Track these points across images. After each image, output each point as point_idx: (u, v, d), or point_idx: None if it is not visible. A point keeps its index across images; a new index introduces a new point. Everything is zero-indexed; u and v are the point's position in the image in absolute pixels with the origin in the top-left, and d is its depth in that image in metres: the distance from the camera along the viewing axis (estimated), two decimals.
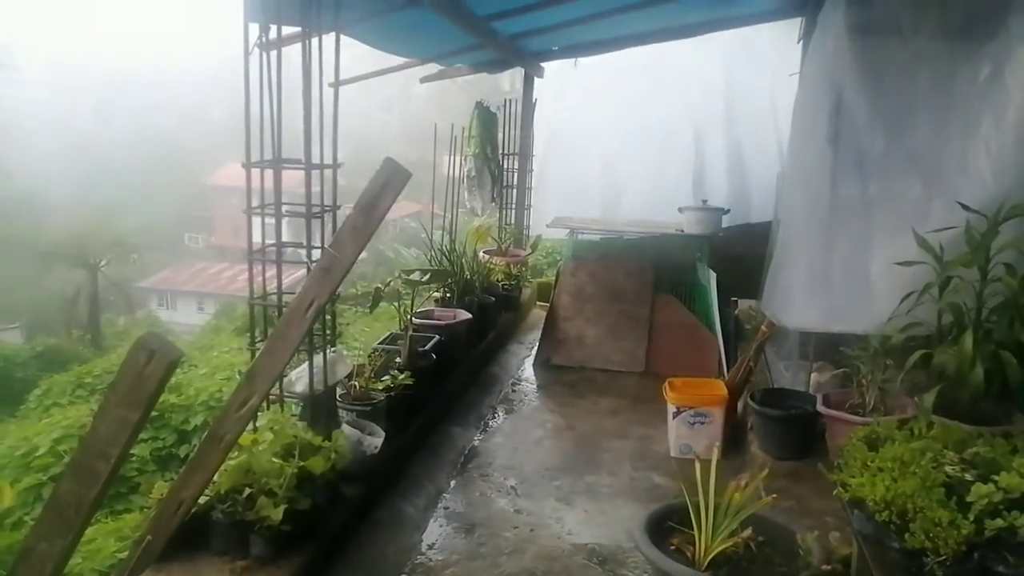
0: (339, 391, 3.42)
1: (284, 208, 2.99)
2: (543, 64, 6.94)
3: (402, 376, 3.64)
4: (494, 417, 4.58)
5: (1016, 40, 3.18)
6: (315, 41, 3.01)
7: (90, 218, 28.61)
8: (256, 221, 3.11)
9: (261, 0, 2.87)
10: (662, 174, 6.68)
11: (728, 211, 5.98)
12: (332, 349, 3.23)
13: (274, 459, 2.62)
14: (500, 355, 5.77)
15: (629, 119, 6.94)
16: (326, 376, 3.13)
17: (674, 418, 3.97)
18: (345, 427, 3.14)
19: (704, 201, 6.04)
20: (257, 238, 3.16)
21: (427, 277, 4.12)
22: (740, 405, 4.17)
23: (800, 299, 3.66)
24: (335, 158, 3.00)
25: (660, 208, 6.36)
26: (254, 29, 3.03)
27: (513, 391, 5.07)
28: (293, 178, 3.11)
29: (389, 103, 47.71)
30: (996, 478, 2.25)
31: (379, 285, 4.04)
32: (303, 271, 2.96)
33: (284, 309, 2.74)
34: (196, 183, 41.46)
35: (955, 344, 3.00)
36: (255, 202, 3.06)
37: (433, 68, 6.67)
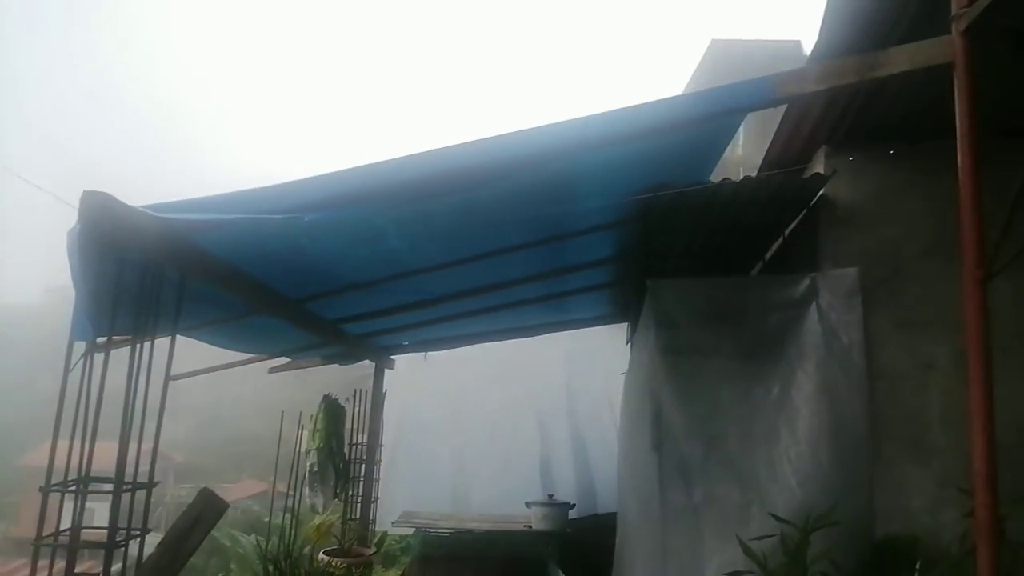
0: None
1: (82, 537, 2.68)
2: (393, 357, 7.17)
3: None
4: None
5: (795, 363, 3.68)
6: (147, 345, 2.96)
7: None
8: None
9: (92, 318, 2.83)
10: (510, 467, 6.78)
11: (574, 506, 6.04)
12: None
13: None
14: None
15: (478, 411, 7.17)
16: None
17: None
18: None
19: (550, 496, 6.09)
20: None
21: None
22: None
23: None
24: (151, 476, 2.80)
25: (510, 502, 6.34)
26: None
27: None
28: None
29: (244, 374, 46.46)
30: None
31: None
32: None
33: None
34: (5, 462, 36.82)
35: None
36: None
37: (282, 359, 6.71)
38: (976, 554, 2.20)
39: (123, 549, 2.65)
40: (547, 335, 7.01)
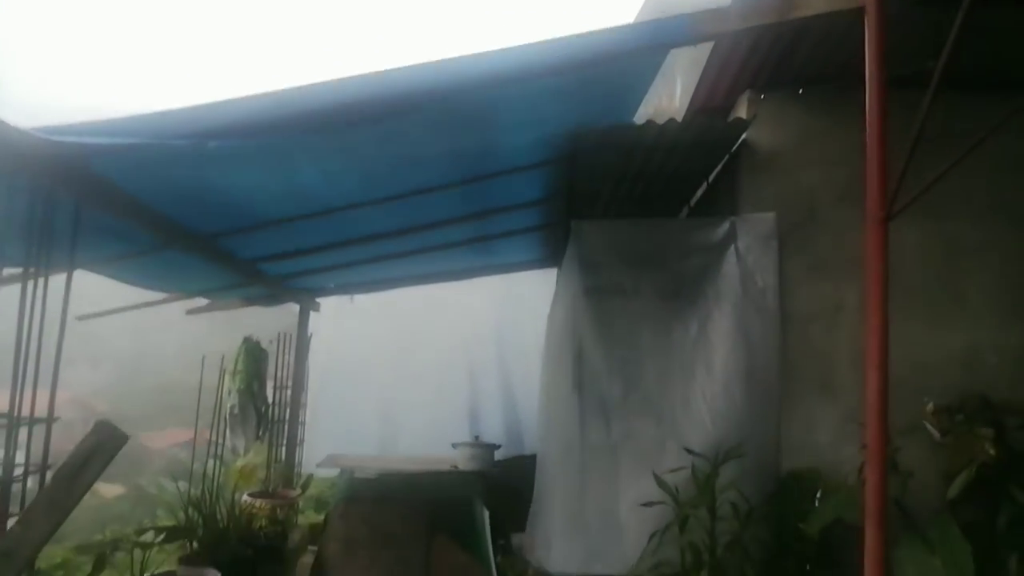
0: None
1: None
2: (319, 299, 7.04)
3: None
4: None
5: (713, 304, 3.77)
6: (41, 281, 2.80)
7: None
8: None
9: None
10: (438, 411, 6.79)
11: (500, 447, 6.11)
12: None
13: None
14: None
15: (406, 355, 7.12)
16: None
17: None
18: None
19: (476, 437, 6.15)
20: None
21: (162, 536, 3.63)
22: None
23: (559, 541, 3.70)
24: (51, 411, 2.67)
25: (437, 445, 6.36)
26: None
27: None
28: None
29: (168, 322, 45.13)
30: None
31: (104, 550, 3.48)
32: None
33: None
34: None
35: None
36: None
37: (201, 300, 6.50)
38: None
39: (21, 485, 2.54)
40: (477, 279, 6.99)
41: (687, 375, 3.74)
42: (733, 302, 3.74)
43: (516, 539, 5.74)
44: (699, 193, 4.78)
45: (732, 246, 3.79)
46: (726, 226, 3.82)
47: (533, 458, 6.32)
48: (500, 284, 7.18)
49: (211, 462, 5.66)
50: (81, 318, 5.73)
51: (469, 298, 7.35)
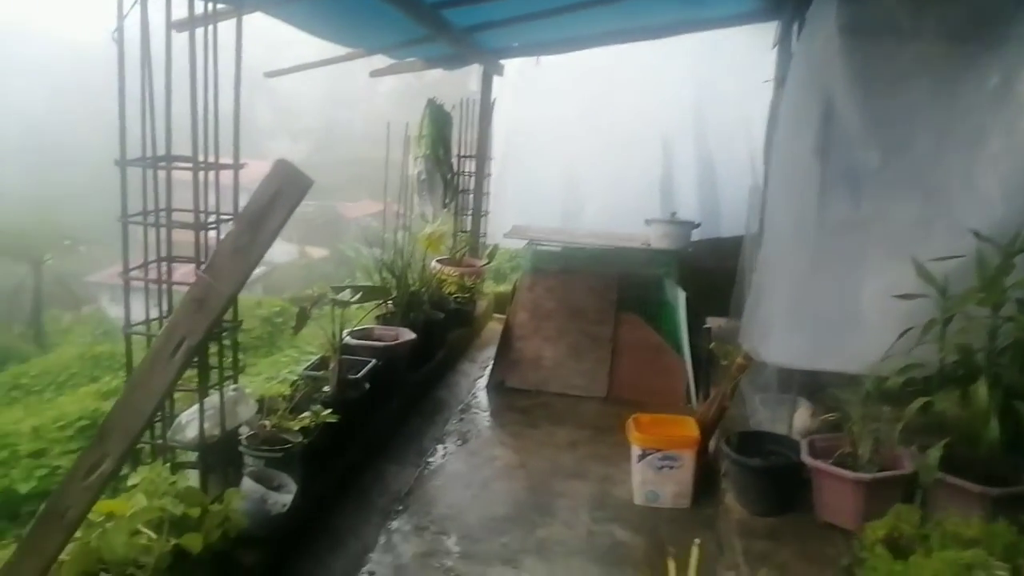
0: (246, 433, 2.89)
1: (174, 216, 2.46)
2: (503, 62, 6.48)
3: (324, 413, 3.12)
4: (437, 452, 4.08)
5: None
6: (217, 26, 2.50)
7: (36, 208, 27.32)
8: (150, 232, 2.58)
9: None
10: (628, 183, 6.27)
11: (699, 225, 5.58)
12: (232, 387, 2.70)
13: (141, 533, 2.09)
14: (449, 377, 5.27)
15: (594, 124, 6.52)
16: (223, 420, 2.60)
17: (639, 461, 3.52)
18: (246, 482, 2.61)
19: (673, 214, 5.62)
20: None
21: (358, 296, 3.59)
22: (712, 444, 3.75)
23: (781, 331, 3.23)
24: (236, 157, 2.47)
25: (625, 220, 5.94)
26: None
27: (460, 420, 4.57)
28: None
29: (353, 101, 46.87)
30: None
31: (305, 304, 3.51)
32: None
33: None
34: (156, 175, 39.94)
35: (960, 391, 2.61)
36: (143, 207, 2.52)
37: (385, 61, 6.18)
38: None
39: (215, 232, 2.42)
40: (675, 41, 6.03)
41: (976, 140, 2.90)
42: None
43: (713, 323, 5.40)
44: None
45: None
46: None
47: (730, 240, 5.77)
48: (703, 43, 6.18)
49: (400, 233, 5.64)
50: (269, 74, 5.64)
51: (666, 61, 6.45)
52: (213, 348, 2.53)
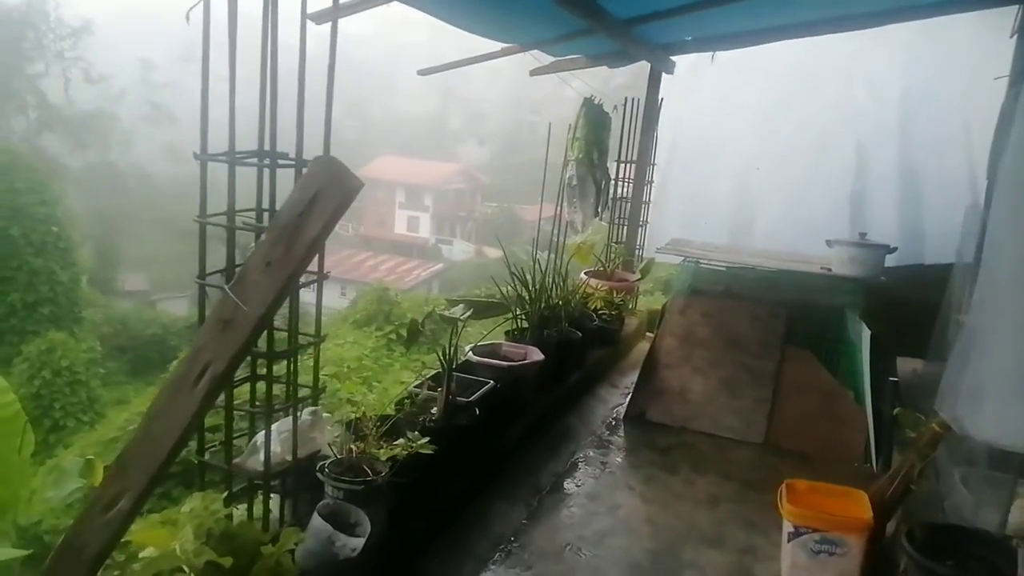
0: (330, 458, 2.62)
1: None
2: (673, 58, 5.89)
3: (420, 442, 2.79)
4: (554, 490, 3.63)
5: None
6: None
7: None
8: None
9: None
10: (810, 197, 5.45)
11: (894, 249, 4.66)
12: (309, 409, 2.44)
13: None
14: (584, 402, 4.80)
15: (774, 128, 5.76)
16: (295, 446, 2.34)
17: (790, 540, 2.85)
18: (315, 518, 2.33)
19: (862, 235, 4.74)
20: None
21: (468, 313, 3.24)
22: (889, 528, 2.99)
23: (1000, 400, 2.43)
24: (299, 152, 2.17)
25: (804, 239, 5.15)
26: None
27: (588, 454, 4.09)
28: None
29: (539, 106, 47.62)
30: None
31: (419, 320, 3.21)
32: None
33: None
34: None
35: None
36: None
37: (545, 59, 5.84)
38: None
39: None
40: (883, 28, 5.12)
41: None
42: None
43: (907, 365, 4.52)
44: None
45: None
46: None
47: (936, 269, 4.80)
48: (919, 32, 5.21)
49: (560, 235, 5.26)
50: (423, 72, 5.50)
51: (866, 54, 5.54)
52: (281, 367, 2.26)
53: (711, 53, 5.74)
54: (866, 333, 4.32)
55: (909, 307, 4.40)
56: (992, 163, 4.30)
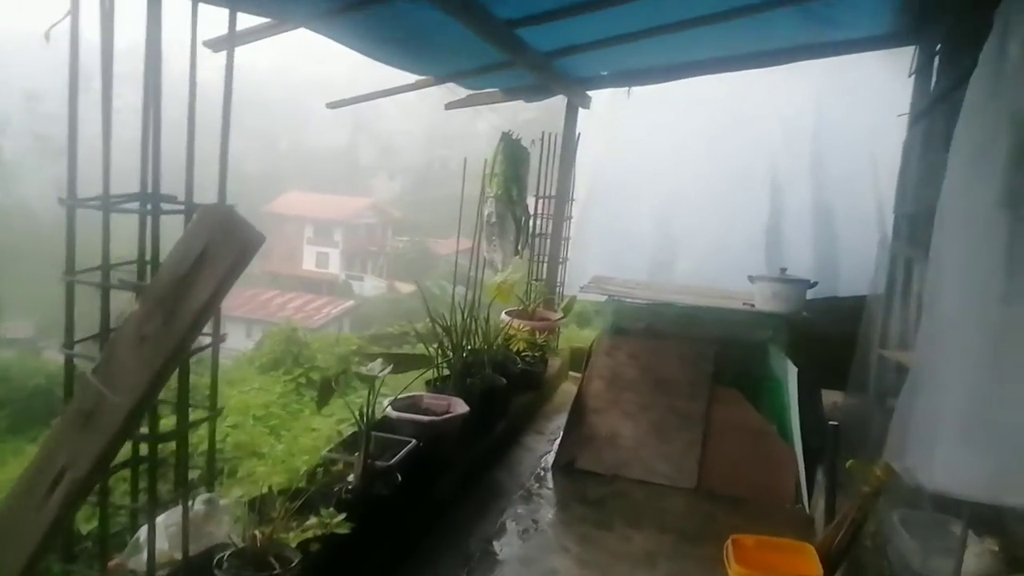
0: (230, 548, 2.25)
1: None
2: (590, 93, 5.83)
3: (335, 520, 2.46)
4: (484, 558, 3.33)
5: None
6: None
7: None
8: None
9: None
10: (730, 233, 5.45)
11: (815, 284, 4.67)
12: (204, 498, 2.08)
13: None
14: (511, 453, 4.54)
15: (692, 164, 5.75)
16: (186, 543, 1.97)
17: None
18: None
19: (783, 270, 4.74)
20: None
21: (388, 369, 2.94)
22: None
23: (951, 450, 2.33)
24: (222, 193, 1.86)
25: (725, 274, 5.13)
26: None
27: (518, 512, 3.81)
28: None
29: (451, 141, 47.66)
30: None
31: (330, 378, 2.89)
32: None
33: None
34: (254, 210, 41.61)
35: None
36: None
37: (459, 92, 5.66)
38: None
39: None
40: (793, 69, 5.21)
41: None
42: None
43: (828, 398, 4.52)
44: None
45: None
46: None
47: (850, 301, 4.84)
48: (826, 72, 5.34)
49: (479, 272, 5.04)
50: (332, 105, 5.19)
51: (781, 92, 5.63)
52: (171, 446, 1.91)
53: (627, 88, 5.71)
54: (792, 369, 4.27)
55: (827, 341, 4.40)
56: (899, 198, 4.39)
